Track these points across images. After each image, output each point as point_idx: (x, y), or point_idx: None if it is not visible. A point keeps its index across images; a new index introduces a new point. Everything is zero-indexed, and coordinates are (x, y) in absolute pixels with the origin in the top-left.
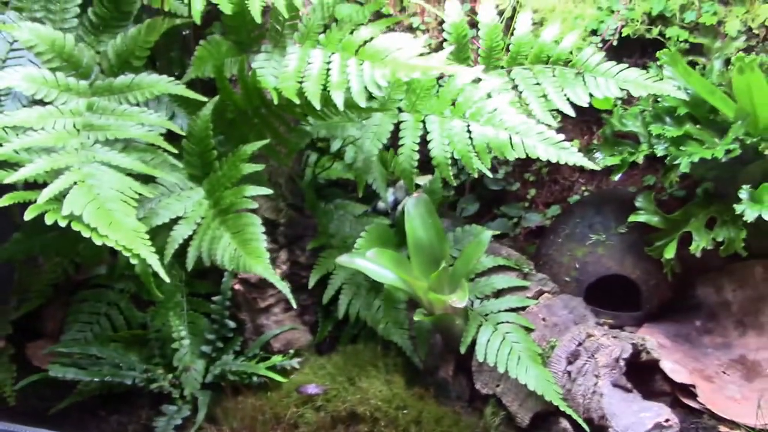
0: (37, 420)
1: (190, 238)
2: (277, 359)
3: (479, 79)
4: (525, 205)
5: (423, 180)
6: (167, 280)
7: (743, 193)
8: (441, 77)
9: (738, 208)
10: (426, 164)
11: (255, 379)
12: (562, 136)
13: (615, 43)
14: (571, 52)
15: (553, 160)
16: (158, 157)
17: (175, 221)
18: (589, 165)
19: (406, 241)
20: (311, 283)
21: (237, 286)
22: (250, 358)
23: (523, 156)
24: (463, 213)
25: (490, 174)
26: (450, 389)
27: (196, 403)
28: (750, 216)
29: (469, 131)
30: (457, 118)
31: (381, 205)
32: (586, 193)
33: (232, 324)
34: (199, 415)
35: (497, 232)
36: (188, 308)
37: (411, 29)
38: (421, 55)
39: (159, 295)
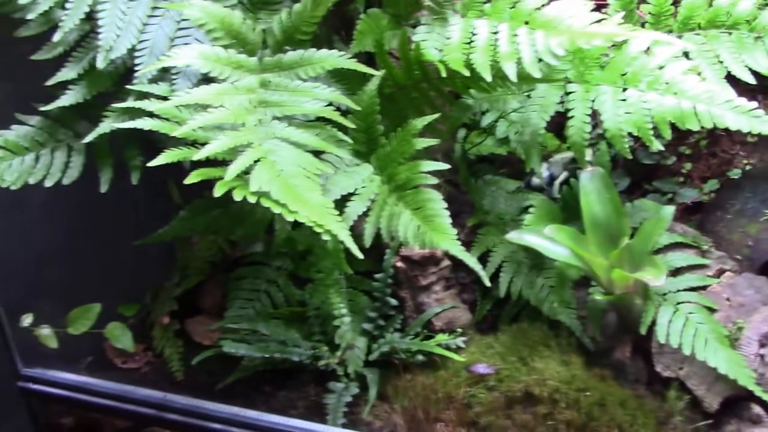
0: (205, 394)
1: (366, 214)
2: (442, 337)
3: (665, 43)
4: (679, 180)
5: (567, 156)
6: (360, 256)
7: None
8: (611, 46)
9: None
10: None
11: (420, 357)
12: (754, 104)
13: None
14: (752, 14)
15: (745, 130)
16: (325, 132)
17: (346, 198)
18: None
19: (575, 216)
20: (471, 262)
21: (399, 264)
22: (412, 336)
23: (710, 126)
24: None
25: (661, 147)
26: (627, 371)
27: (363, 381)
28: None
29: (644, 101)
30: (632, 88)
31: (535, 180)
32: (747, 167)
33: (393, 302)
34: (371, 392)
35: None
36: (348, 286)
37: None
38: (598, 21)
39: (349, 270)
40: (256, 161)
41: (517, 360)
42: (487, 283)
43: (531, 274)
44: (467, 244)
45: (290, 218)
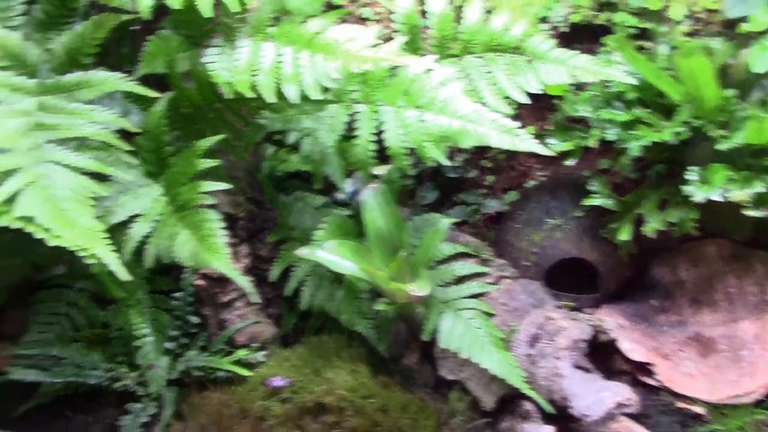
0: (1, 422)
1: (149, 235)
2: (241, 353)
3: (431, 69)
4: (483, 191)
5: (381, 170)
6: (126, 278)
7: (691, 174)
8: (395, 68)
9: (686, 190)
10: (386, 154)
11: (221, 373)
12: (516, 123)
13: (564, 29)
14: (521, 40)
15: (506, 148)
16: (113, 154)
17: (132, 219)
18: (542, 151)
19: (366, 231)
20: (273, 276)
21: (198, 282)
22: (214, 353)
23: (477, 144)
24: (422, 201)
25: (447, 162)
26: (415, 376)
27: (162, 401)
28: (699, 197)
29: (422, 121)
30: (411, 108)
31: (340, 195)
32: (542, 179)
33: (195, 320)
34: (165, 412)
35: (456, 220)
36: (150, 305)
37: (363, 20)
38: (373, 46)
39: (119, 293)
40: (26, 185)
41: (311, 372)
42: (252, 300)
43: (332, 287)
44: (270, 260)
45: (53, 243)
